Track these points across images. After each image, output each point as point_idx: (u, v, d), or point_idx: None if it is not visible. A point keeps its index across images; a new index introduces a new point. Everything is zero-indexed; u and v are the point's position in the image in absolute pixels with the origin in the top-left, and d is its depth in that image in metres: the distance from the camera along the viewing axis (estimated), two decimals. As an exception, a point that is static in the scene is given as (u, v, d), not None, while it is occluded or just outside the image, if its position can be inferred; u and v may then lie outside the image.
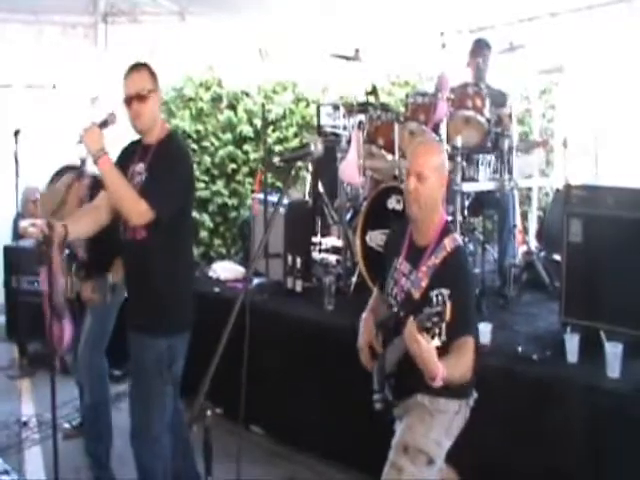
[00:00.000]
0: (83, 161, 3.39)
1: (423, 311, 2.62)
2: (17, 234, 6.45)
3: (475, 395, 3.13)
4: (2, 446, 4.67)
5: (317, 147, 2.54)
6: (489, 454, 3.67)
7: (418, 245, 3.12)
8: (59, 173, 4.54)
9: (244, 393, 2.60)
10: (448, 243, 3.03)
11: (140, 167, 3.44)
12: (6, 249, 6.74)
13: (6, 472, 4.29)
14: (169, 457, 3.59)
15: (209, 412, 2.27)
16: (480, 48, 5.65)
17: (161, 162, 3.39)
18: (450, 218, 4.20)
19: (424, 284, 2.97)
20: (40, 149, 5.89)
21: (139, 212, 3.25)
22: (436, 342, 2.61)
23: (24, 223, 4.57)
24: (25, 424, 5.01)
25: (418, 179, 3.07)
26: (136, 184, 3.37)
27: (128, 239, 3.44)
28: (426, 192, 3.05)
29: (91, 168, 3.54)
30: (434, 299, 2.62)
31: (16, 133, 5.90)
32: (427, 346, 2.61)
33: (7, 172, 5.90)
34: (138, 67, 3.48)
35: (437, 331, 2.60)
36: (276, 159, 7.14)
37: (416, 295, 2.98)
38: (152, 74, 3.47)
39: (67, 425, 4.92)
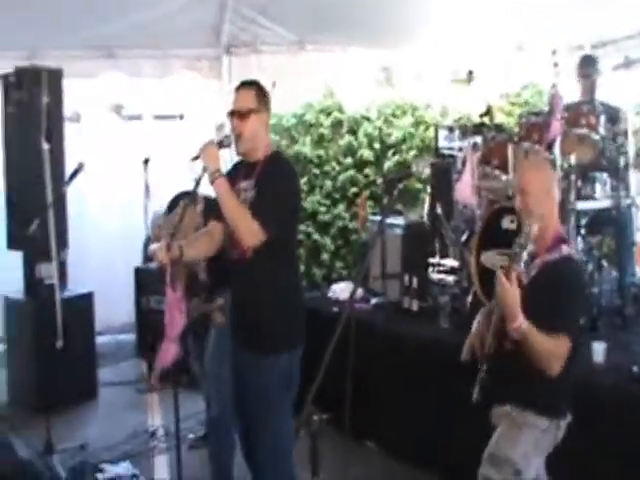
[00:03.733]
0: (198, 181, 3.52)
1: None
2: (147, 256, 6.83)
3: (569, 419, 3.11)
4: (132, 453, 4.96)
5: (419, 167, 2.62)
6: (598, 477, 3.61)
7: None
8: (175, 200, 4.78)
9: (348, 404, 2.70)
10: (564, 248, 3.11)
11: (246, 184, 3.51)
12: (137, 270, 7.14)
13: (135, 477, 4.60)
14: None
15: (316, 418, 2.36)
16: (588, 65, 5.58)
17: (269, 180, 3.46)
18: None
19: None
20: (168, 176, 6.23)
21: (252, 232, 3.33)
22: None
23: (152, 246, 4.86)
24: (153, 434, 5.30)
25: (522, 194, 3.12)
26: (242, 201, 3.45)
27: (235, 259, 3.53)
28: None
29: (204, 190, 3.70)
30: None
31: (146, 161, 6.28)
32: (513, 290, 2.87)
33: (138, 198, 6.28)
34: (248, 85, 3.58)
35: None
36: (379, 180, 7.25)
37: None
38: (261, 95, 3.55)
39: (192, 436, 5.16)
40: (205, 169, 3.42)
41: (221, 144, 3.53)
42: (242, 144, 3.53)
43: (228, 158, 4.19)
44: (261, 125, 3.56)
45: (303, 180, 7.58)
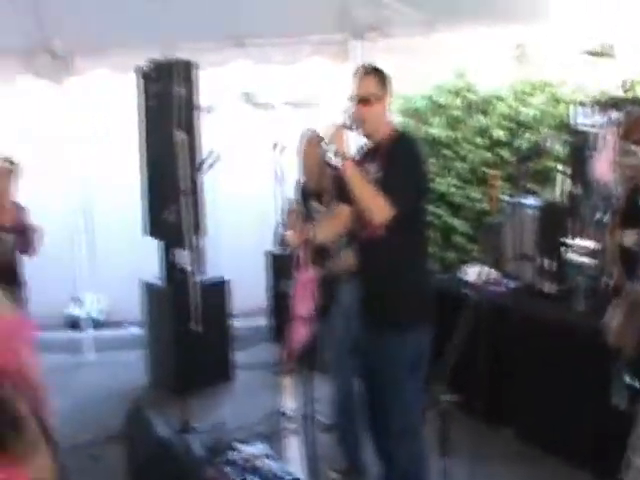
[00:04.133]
0: (328, 163, 3.60)
1: None
2: (280, 241, 6.91)
3: None
4: (266, 434, 5.05)
5: (549, 143, 2.52)
6: None
7: None
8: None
9: (482, 387, 2.65)
10: None
11: (373, 166, 3.57)
12: (271, 255, 7.25)
13: (270, 456, 4.68)
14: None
15: (446, 398, 2.33)
16: None
17: (394, 159, 3.49)
18: None
19: None
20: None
21: (381, 208, 3.37)
22: None
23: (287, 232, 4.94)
24: (286, 416, 5.36)
25: None
26: (370, 182, 3.50)
27: (365, 238, 3.58)
28: None
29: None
30: None
31: (275, 147, 6.36)
32: None
33: (270, 184, 6.37)
34: (368, 71, 3.62)
35: None
36: (512, 159, 7.03)
37: None
38: (382, 80, 3.60)
39: (324, 419, 5.18)
40: (334, 151, 3.48)
41: (349, 127, 3.58)
42: (365, 128, 3.60)
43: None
44: (383, 109, 3.61)
45: (434, 162, 7.47)
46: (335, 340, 4.52)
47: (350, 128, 3.59)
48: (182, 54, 6.42)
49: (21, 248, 5.53)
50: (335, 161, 3.51)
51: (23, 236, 5.49)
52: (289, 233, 4.32)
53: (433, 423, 2.42)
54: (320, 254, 4.58)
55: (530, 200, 5.83)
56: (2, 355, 1.01)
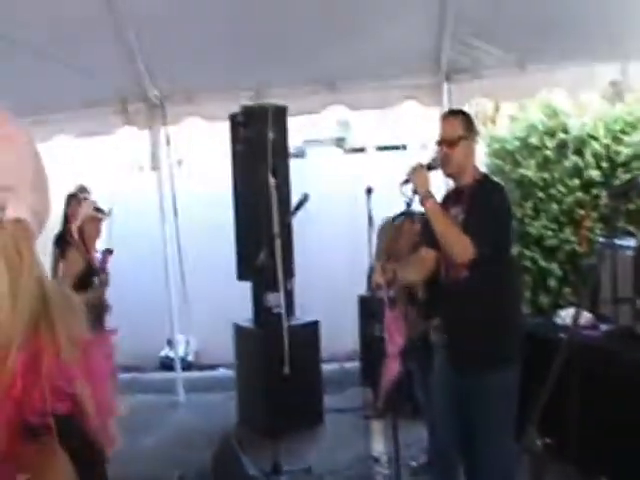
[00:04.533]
0: (409, 204, 3.63)
1: None
2: (371, 286, 6.91)
3: None
4: (356, 478, 5.01)
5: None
6: None
7: None
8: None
9: (574, 430, 2.57)
10: None
11: (456, 210, 3.58)
12: (362, 299, 7.25)
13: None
14: None
15: (539, 442, 2.27)
16: None
17: (478, 200, 3.51)
18: None
19: None
20: (391, 206, 6.29)
21: (464, 247, 3.38)
22: None
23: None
24: (377, 460, 5.32)
25: None
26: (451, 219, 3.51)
27: (450, 281, 3.56)
28: None
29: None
30: None
31: (369, 191, 6.37)
32: None
33: (361, 228, 6.39)
34: (454, 113, 3.69)
35: None
36: (604, 196, 6.86)
37: None
38: (467, 122, 3.66)
39: (413, 463, 5.11)
40: (416, 191, 3.52)
41: (430, 166, 3.62)
42: (450, 169, 3.67)
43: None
44: (468, 151, 3.65)
45: (528, 204, 7.36)
46: (433, 384, 4.47)
47: (434, 168, 3.63)
48: (274, 100, 6.56)
49: None
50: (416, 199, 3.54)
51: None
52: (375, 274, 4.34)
53: (525, 467, 2.34)
54: (408, 295, 4.57)
55: (626, 241, 5.66)
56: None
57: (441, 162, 3.65)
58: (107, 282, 5.69)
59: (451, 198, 3.71)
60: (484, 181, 3.65)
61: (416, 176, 3.55)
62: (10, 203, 1.07)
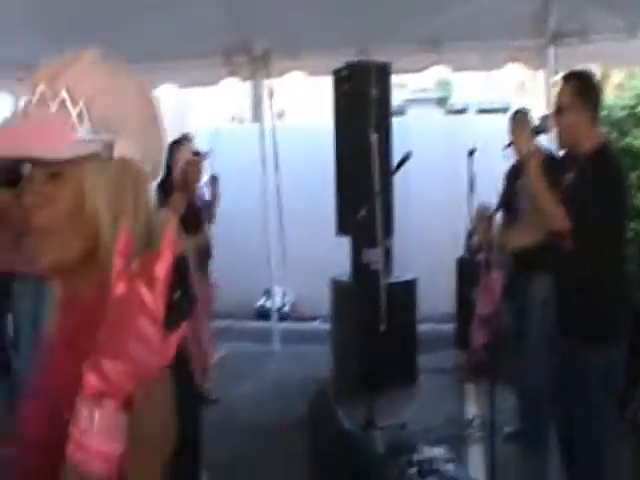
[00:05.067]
0: (516, 166, 3.59)
1: None
2: (470, 248, 6.87)
3: None
4: (448, 438, 5.01)
5: None
6: None
7: None
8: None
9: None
10: None
11: (569, 177, 3.47)
12: (460, 261, 7.21)
13: (451, 460, 4.66)
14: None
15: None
16: None
17: (590, 172, 3.36)
18: None
19: None
20: (492, 169, 6.22)
21: (557, 218, 3.30)
22: None
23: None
24: (469, 423, 5.32)
25: None
26: (564, 191, 3.41)
27: (558, 246, 3.49)
28: None
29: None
30: None
31: (471, 153, 6.30)
32: None
33: (462, 190, 6.34)
34: (567, 78, 3.50)
35: None
36: None
37: None
38: (583, 87, 3.45)
39: (508, 429, 5.09)
40: (519, 153, 3.47)
41: (537, 130, 3.53)
42: (562, 137, 3.52)
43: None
44: (583, 118, 3.43)
45: (634, 175, 7.14)
46: (528, 338, 4.45)
47: (541, 132, 3.54)
48: (377, 57, 6.52)
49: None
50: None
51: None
52: (478, 235, 4.33)
53: (627, 445, 2.31)
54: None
55: None
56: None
57: (551, 128, 3.55)
58: (214, 214, 6.09)
59: (567, 163, 3.59)
60: (601, 151, 3.43)
61: (519, 138, 3.46)
62: (117, 144, 1.13)
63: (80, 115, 1.12)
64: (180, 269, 1.04)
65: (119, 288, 0.98)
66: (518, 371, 4.81)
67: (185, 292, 1.05)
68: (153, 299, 0.97)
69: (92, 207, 1.13)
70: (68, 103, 1.12)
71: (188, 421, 1.18)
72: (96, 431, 0.94)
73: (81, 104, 1.12)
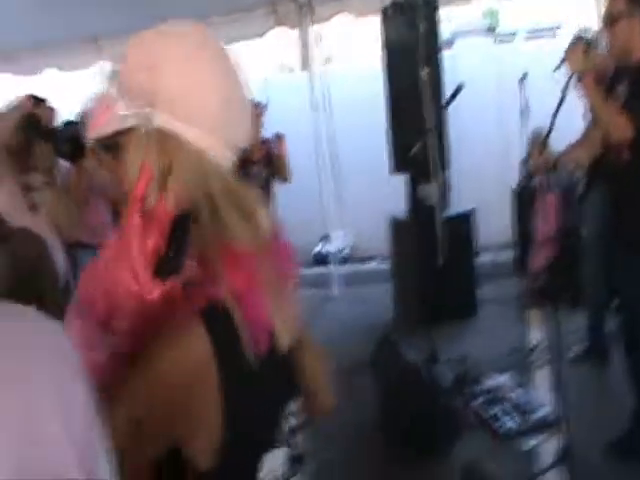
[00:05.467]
0: (566, 85, 3.54)
1: None
2: (525, 175, 6.79)
3: None
4: (513, 366, 5.07)
5: None
6: None
7: None
8: None
9: None
10: None
11: (622, 89, 3.42)
12: (517, 189, 7.14)
13: (517, 387, 4.72)
14: None
15: None
16: None
17: None
18: None
19: None
20: (546, 94, 6.14)
21: (620, 127, 3.26)
22: None
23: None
24: (533, 349, 5.35)
25: None
26: (615, 99, 3.38)
27: (612, 160, 3.46)
28: None
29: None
30: None
31: (522, 79, 6.24)
32: None
33: (515, 117, 6.30)
34: None
35: None
36: None
37: None
38: None
39: (573, 351, 5.11)
40: (572, 70, 3.42)
41: (588, 44, 3.47)
42: (614, 48, 3.46)
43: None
44: (636, 26, 3.35)
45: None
46: (588, 256, 4.45)
47: (592, 46, 3.47)
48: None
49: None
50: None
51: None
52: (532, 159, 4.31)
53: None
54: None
55: None
56: None
57: (602, 40, 3.48)
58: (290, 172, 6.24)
59: (619, 76, 3.54)
60: None
61: (571, 55, 3.40)
62: (155, 115, 1.18)
63: (120, 90, 1.20)
64: (178, 228, 1.12)
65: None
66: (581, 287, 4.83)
67: (177, 250, 1.12)
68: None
69: (130, 177, 1.18)
70: (112, 79, 1.22)
71: (234, 399, 1.17)
72: None
73: (121, 80, 1.21)
